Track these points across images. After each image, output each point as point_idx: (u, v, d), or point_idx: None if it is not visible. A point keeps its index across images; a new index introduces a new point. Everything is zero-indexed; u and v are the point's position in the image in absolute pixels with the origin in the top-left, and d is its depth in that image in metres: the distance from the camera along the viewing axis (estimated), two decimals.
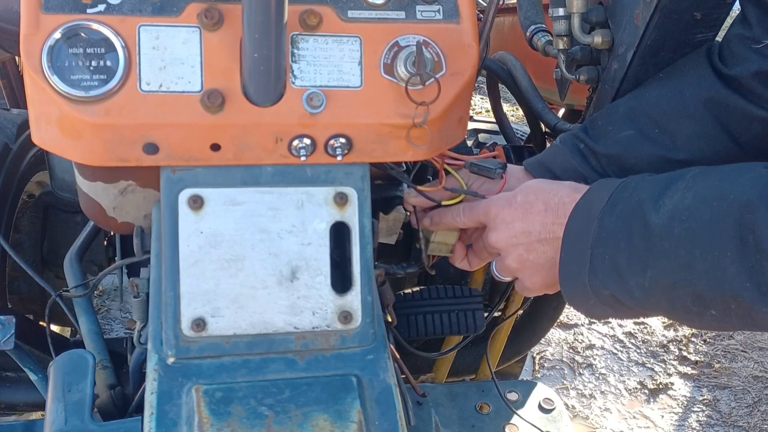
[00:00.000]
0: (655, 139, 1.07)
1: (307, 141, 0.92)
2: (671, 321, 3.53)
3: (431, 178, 1.22)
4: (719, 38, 1.13)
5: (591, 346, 3.45)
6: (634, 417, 3.09)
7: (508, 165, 1.17)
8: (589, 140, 1.11)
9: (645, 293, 0.85)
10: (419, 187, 1.11)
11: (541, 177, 1.13)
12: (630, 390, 3.21)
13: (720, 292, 0.78)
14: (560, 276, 0.93)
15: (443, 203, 1.11)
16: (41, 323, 1.62)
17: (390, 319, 1.21)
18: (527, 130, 1.62)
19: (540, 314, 1.80)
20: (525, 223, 0.98)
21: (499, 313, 1.55)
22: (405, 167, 1.22)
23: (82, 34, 0.86)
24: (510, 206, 0.99)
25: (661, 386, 3.24)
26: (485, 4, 1.48)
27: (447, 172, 1.14)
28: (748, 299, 0.75)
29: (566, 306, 1.96)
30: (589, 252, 0.88)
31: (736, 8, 1.06)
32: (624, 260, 0.85)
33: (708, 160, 1.06)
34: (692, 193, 0.83)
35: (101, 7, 0.87)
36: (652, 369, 3.33)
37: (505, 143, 1.62)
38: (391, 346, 1.04)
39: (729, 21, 1.09)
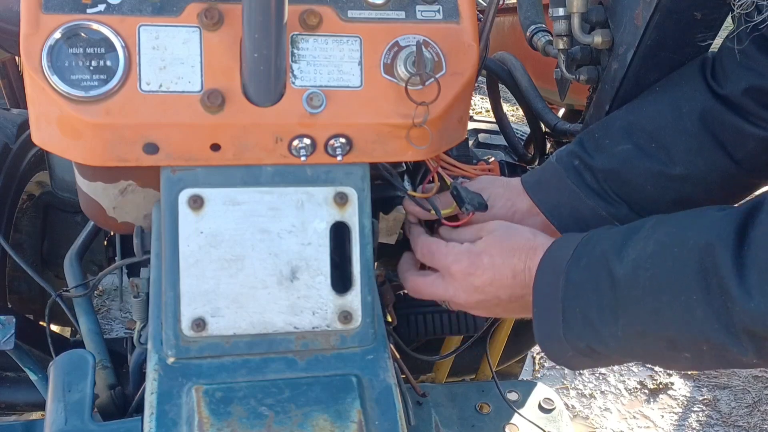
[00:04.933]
0: (652, 153, 1.08)
1: (307, 141, 0.92)
2: None
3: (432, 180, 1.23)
4: (719, 38, 1.13)
5: None
6: (634, 417, 3.09)
7: (506, 180, 1.18)
8: (585, 155, 1.11)
9: (619, 342, 0.86)
10: (410, 192, 1.11)
11: (538, 198, 1.14)
12: (630, 390, 3.21)
13: (691, 335, 0.79)
14: (536, 333, 0.95)
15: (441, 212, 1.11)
16: (41, 323, 1.62)
17: (390, 319, 1.21)
18: (527, 130, 1.62)
19: None
20: (495, 289, 1.00)
21: None
22: (405, 167, 1.22)
23: (82, 34, 0.86)
24: (477, 269, 1.00)
25: (661, 386, 3.24)
26: (485, 4, 1.48)
27: (440, 177, 1.14)
28: (719, 341, 0.76)
29: None
30: (560, 306, 0.90)
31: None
32: (594, 312, 0.87)
33: (704, 176, 1.07)
34: (653, 241, 0.84)
35: (101, 7, 0.88)
36: (652, 369, 3.33)
37: (501, 151, 1.63)
38: (391, 346, 1.04)
39: (729, 21, 1.10)
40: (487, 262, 1.00)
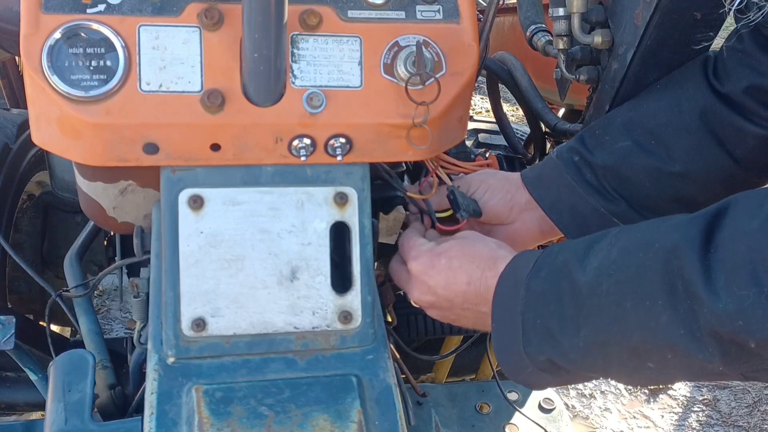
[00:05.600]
0: (651, 150, 1.08)
1: (307, 141, 0.92)
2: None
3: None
4: (719, 38, 1.13)
5: None
6: (634, 417, 3.09)
7: (506, 174, 1.19)
8: (585, 151, 1.11)
9: (580, 354, 0.83)
10: (408, 193, 1.11)
11: (537, 193, 1.14)
12: (630, 390, 3.21)
13: (655, 342, 0.76)
14: (495, 347, 0.92)
15: (437, 215, 1.12)
16: (41, 323, 1.62)
17: (390, 319, 1.21)
18: (527, 130, 1.62)
19: None
20: (447, 292, 0.97)
21: None
22: (405, 167, 1.22)
23: (82, 34, 0.86)
24: (432, 269, 0.98)
25: (661, 386, 3.24)
26: (485, 4, 1.48)
27: (439, 176, 1.14)
28: (683, 347, 0.74)
29: None
30: (520, 318, 0.87)
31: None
32: (555, 323, 0.84)
33: (703, 173, 1.07)
34: (617, 248, 0.82)
35: (101, 7, 0.87)
36: None
37: (501, 151, 1.63)
38: (391, 346, 1.04)
39: (729, 20, 1.10)
40: (444, 264, 0.98)
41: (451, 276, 0.97)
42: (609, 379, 0.91)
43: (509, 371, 0.93)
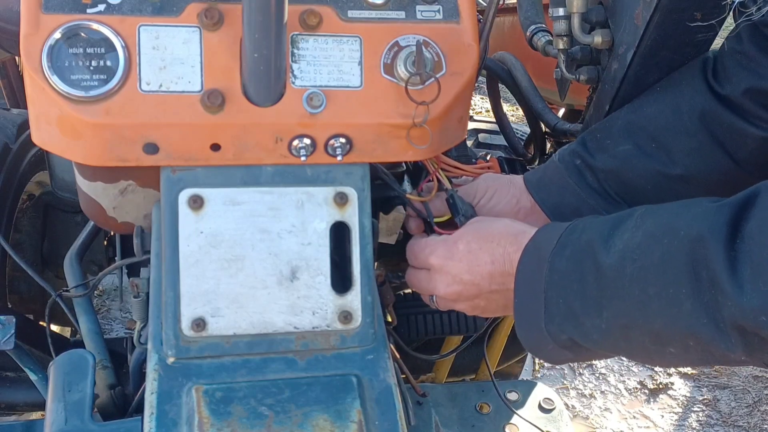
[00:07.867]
0: (652, 154, 1.08)
1: (307, 141, 0.92)
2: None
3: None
4: (719, 38, 1.13)
5: None
6: (634, 417, 3.09)
7: (511, 176, 1.19)
8: (586, 155, 1.11)
9: (602, 335, 0.83)
10: (408, 195, 1.11)
11: (540, 196, 1.14)
12: (630, 390, 3.21)
13: (677, 329, 0.76)
14: (516, 323, 0.92)
15: (434, 219, 1.11)
16: (41, 323, 1.62)
17: (390, 319, 1.21)
18: (527, 130, 1.62)
19: None
20: (472, 276, 0.97)
21: None
22: (405, 167, 1.22)
23: (82, 34, 0.86)
24: (453, 258, 0.98)
25: (661, 386, 3.24)
26: (485, 4, 1.49)
27: (439, 179, 1.14)
28: (706, 336, 0.74)
29: None
30: (542, 296, 0.87)
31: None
32: (578, 303, 0.84)
33: (704, 176, 1.06)
34: (641, 231, 0.81)
35: (101, 7, 0.88)
36: (652, 369, 3.33)
37: (501, 151, 1.63)
38: (391, 346, 1.04)
39: (729, 20, 1.10)
40: (463, 248, 0.97)
41: (472, 259, 0.96)
42: (629, 360, 0.92)
43: (530, 347, 0.93)
